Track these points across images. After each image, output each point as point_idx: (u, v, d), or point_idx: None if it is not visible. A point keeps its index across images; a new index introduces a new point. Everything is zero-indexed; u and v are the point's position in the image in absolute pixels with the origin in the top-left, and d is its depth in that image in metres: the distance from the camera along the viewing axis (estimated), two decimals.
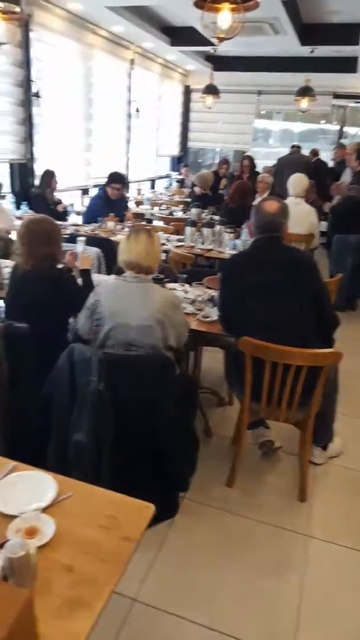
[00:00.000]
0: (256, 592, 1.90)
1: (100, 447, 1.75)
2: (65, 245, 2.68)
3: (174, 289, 2.95)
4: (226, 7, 3.02)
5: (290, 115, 10.10)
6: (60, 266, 2.39)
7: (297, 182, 4.61)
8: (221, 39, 3.11)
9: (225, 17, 3.04)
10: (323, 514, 2.32)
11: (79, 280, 2.54)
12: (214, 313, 2.58)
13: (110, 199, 4.94)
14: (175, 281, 3.14)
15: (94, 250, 3.31)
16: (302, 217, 4.48)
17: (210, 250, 4.31)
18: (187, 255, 3.82)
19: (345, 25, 6.03)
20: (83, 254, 2.73)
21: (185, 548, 2.08)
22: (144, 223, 5.33)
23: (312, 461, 2.57)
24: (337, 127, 9.52)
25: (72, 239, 3.67)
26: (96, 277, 2.73)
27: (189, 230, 4.46)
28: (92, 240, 3.65)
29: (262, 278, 2.19)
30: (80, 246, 3.12)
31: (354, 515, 2.32)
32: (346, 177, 5.46)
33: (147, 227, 2.15)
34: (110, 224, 4.63)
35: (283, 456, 2.70)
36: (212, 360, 3.34)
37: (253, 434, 2.63)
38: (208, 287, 2.88)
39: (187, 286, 3.04)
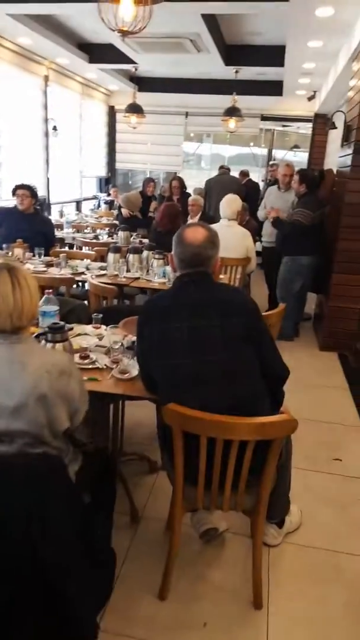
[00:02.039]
0: None
1: None
2: None
3: (86, 334, 2.35)
4: None
5: (220, 138, 9.91)
6: None
7: (230, 203, 4.22)
8: (125, 33, 2.62)
9: (127, 8, 2.54)
10: (284, 625, 1.78)
11: None
12: (135, 367, 1.98)
13: (22, 215, 4.16)
14: (89, 323, 2.54)
15: None
16: (236, 241, 4.13)
17: (137, 279, 3.76)
18: (108, 287, 3.23)
19: (270, 47, 5.95)
20: None
21: None
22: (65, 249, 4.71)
23: (267, 543, 2.07)
24: (266, 151, 9.46)
25: None
26: None
27: (111, 257, 3.90)
28: None
29: (188, 325, 1.64)
30: None
31: (316, 619, 1.80)
32: (271, 197, 5.08)
33: (7, 265, 1.48)
34: (18, 252, 3.81)
35: (230, 538, 2.15)
36: (141, 410, 2.61)
37: (192, 520, 2.06)
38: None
39: (103, 328, 2.44)
